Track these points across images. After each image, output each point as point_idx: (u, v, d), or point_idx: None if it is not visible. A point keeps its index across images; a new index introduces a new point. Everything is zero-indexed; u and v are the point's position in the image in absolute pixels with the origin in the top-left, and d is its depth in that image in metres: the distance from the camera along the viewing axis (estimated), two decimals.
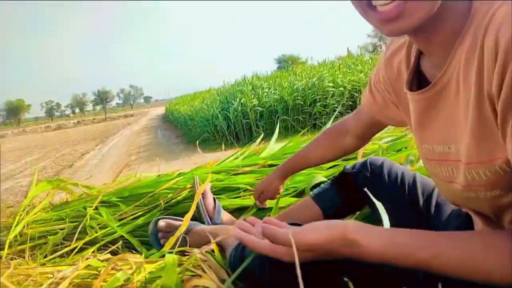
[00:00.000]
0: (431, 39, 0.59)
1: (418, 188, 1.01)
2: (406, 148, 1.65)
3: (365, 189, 0.93)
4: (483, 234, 0.53)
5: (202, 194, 1.35)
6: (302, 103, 7.27)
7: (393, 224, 0.91)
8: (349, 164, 1.19)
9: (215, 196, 1.48)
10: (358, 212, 1.20)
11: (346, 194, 1.14)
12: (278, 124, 2.60)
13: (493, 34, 0.47)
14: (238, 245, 0.91)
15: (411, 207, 0.99)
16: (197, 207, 1.31)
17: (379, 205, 0.79)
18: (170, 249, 1.04)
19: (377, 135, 1.95)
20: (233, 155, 1.95)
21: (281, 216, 1.23)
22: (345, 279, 0.50)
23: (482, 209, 0.65)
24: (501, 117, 0.48)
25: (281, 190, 1.32)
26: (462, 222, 0.88)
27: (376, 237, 0.57)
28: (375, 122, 0.98)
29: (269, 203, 1.40)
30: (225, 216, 1.35)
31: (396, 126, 0.95)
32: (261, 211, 1.40)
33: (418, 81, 0.68)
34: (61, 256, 1.24)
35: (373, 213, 1.17)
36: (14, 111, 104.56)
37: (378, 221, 1.12)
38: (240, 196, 1.55)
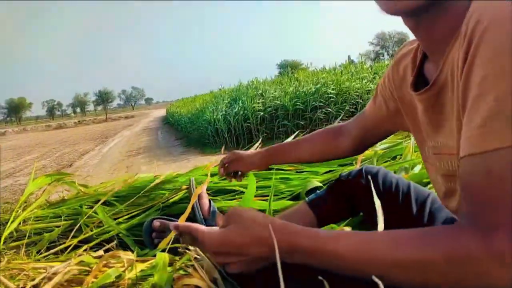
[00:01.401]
0: (431, 36, 0.61)
1: (412, 196, 1.02)
2: (401, 155, 1.66)
3: (372, 188, 0.93)
4: (421, 231, 0.48)
5: (198, 195, 1.36)
6: (303, 108, 7.29)
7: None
8: (345, 171, 1.20)
9: (210, 198, 1.50)
10: (350, 219, 1.21)
11: (341, 201, 1.15)
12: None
13: (472, 21, 0.48)
14: None
15: (405, 215, 1.00)
16: (193, 208, 1.32)
17: (378, 207, 0.79)
18: (163, 248, 1.05)
19: None
20: None
21: (279, 217, 1.24)
22: (320, 277, 0.48)
23: None
24: (462, 99, 0.49)
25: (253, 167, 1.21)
26: None
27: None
28: (374, 128, 0.99)
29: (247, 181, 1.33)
30: (220, 218, 1.36)
31: (397, 131, 0.96)
32: None
33: (423, 83, 0.70)
34: (55, 253, 1.25)
35: (367, 219, 1.18)
36: (15, 109, 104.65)
37: (371, 228, 1.13)
38: (235, 198, 1.56)
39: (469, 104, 0.47)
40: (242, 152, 1.23)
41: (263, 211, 1.39)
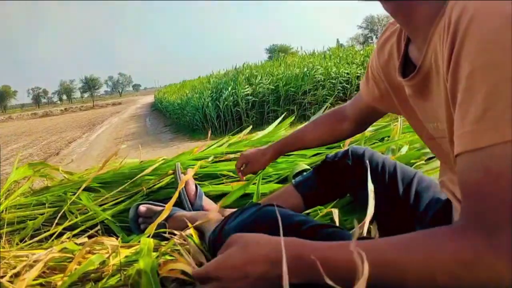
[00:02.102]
0: (411, 21, 0.60)
1: (398, 176, 1.02)
2: (389, 137, 1.66)
3: (367, 166, 0.95)
4: (424, 235, 0.47)
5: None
6: (293, 93, 7.27)
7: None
8: (331, 153, 1.20)
9: (197, 183, 1.48)
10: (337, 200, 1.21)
11: (328, 183, 1.15)
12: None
13: (456, 11, 0.47)
14: (216, 227, 0.91)
15: (391, 195, 1.00)
16: (179, 194, 1.31)
17: (371, 191, 0.80)
18: (150, 234, 1.04)
19: None
20: (217, 142, 1.95)
21: (265, 200, 1.24)
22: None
23: None
24: (451, 92, 0.49)
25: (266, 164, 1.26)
26: (439, 210, 0.89)
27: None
28: (373, 110, 0.98)
29: (248, 178, 1.35)
30: (206, 202, 1.35)
31: (395, 114, 0.96)
32: (242, 198, 1.39)
33: (411, 67, 0.69)
34: (39, 241, 1.23)
35: (355, 200, 1.18)
36: (0, 97, 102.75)
37: (359, 209, 1.13)
38: (223, 183, 1.54)
39: (459, 99, 0.46)
40: (252, 152, 1.25)
41: (251, 194, 1.38)
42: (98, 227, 1.25)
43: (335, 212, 1.04)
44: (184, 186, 1.33)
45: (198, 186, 1.36)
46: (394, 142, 1.51)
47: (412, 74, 0.64)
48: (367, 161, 1.05)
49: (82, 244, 0.94)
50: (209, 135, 2.10)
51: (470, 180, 0.44)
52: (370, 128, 1.79)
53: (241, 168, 1.27)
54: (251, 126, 2.42)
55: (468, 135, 0.44)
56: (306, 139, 1.16)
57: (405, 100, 0.75)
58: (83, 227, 1.29)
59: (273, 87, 7.29)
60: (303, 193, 1.15)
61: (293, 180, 1.21)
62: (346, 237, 0.69)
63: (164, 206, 1.23)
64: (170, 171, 1.50)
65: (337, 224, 1.02)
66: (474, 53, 0.43)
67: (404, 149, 1.46)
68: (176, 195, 1.19)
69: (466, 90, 0.44)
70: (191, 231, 1.03)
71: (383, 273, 0.45)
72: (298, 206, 1.14)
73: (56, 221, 1.29)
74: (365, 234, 0.88)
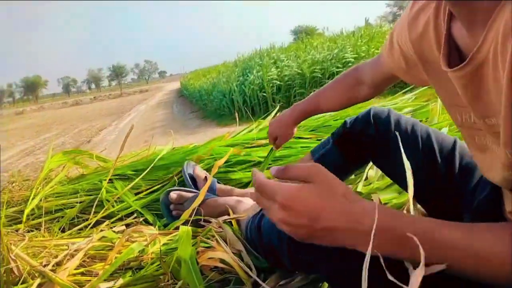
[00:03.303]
0: (474, 5, 0.49)
1: (434, 143, 0.88)
2: (427, 118, 1.59)
3: (396, 136, 0.85)
4: (490, 228, 0.44)
5: (193, 176, 1.34)
6: (320, 75, 7.13)
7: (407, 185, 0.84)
8: (349, 117, 1.09)
9: (228, 169, 1.48)
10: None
11: (349, 154, 1.07)
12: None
13: None
14: (255, 215, 0.89)
15: (428, 166, 0.87)
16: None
17: (407, 166, 0.69)
18: (185, 220, 1.03)
19: (399, 104, 1.89)
20: (247, 128, 1.92)
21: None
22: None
23: None
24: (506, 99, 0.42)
25: (295, 132, 1.23)
26: (490, 192, 0.80)
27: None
28: (393, 76, 0.88)
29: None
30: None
31: (418, 85, 0.88)
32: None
33: (450, 50, 0.59)
34: (78, 230, 1.24)
35: (382, 170, 1.09)
36: (31, 87, 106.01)
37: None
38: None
39: None
40: (277, 126, 1.21)
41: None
42: (135, 215, 1.25)
43: (375, 197, 1.00)
44: (194, 181, 1.33)
45: (208, 174, 1.33)
46: (435, 125, 1.44)
47: (462, 64, 0.53)
48: (395, 131, 0.92)
49: (120, 232, 0.94)
50: (237, 120, 2.07)
51: None
52: (406, 110, 1.73)
53: (275, 143, 1.25)
54: (278, 107, 2.38)
55: None
56: (323, 106, 1.10)
57: (442, 81, 0.64)
58: (119, 216, 1.30)
59: (300, 71, 7.18)
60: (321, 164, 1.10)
61: (311, 152, 1.16)
62: None
63: (195, 192, 1.22)
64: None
65: None
66: None
67: (445, 130, 1.40)
68: (209, 182, 1.18)
69: None
70: (231, 218, 1.01)
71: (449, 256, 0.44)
72: None
73: (93, 209, 1.31)
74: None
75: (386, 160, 0.96)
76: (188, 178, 1.34)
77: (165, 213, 1.24)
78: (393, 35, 0.81)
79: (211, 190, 1.29)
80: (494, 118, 0.53)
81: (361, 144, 1.02)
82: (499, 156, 0.54)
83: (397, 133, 0.87)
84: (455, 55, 0.57)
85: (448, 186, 0.84)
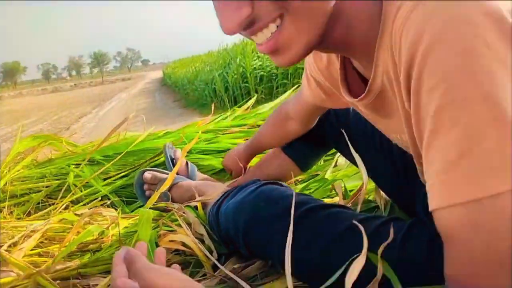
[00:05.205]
0: (347, 49, 0.53)
1: None
2: None
3: (348, 142, 0.86)
4: None
5: (174, 159, 1.33)
6: (303, 67, 7.15)
7: (370, 175, 0.86)
8: None
9: (201, 156, 1.47)
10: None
11: (315, 143, 1.11)
12: None
13: (406, 32, 0.40)
14: (216, 202, 0.90)
15: (385, 154, 0.90)
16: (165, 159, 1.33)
17: (357, 159, 0.74)
18: (153, 204, 1.03)
19: None
20: (221, 115, 1.92)
21: (254, 167, 1.23)
22: None
23: None
24: (416, 131, 0.42)
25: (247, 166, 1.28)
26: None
27: None
28: (318, 108, 0.91)
29: None
30: (200, 177, 1.33)
31: (345, 107, 0.89)
32: None
33: (353, 78, 0.61)
34: (44, 214, 1.22)
35: (347, 158, 1.12)
36: (10, 73, 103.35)
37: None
38: None
39: (425, 141, 0.39)
40: (231, 163, 1.27)
41: None
42: (99, 198, 1.24)
43: (338, 186, 1.01)
44: (173, 164, 1.33)
45: (189, 162, 1.33)
46: None
47: (362, 95, 0.55)
48: (342, 129, 0.90)
49: (81, 215, 0.93)
50: (213, 109, 2.06)
51: (453, 241, 0.38)
52: None
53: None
54: (255, 96, 2.38)
55: (439, 188, 0.38)
56: (264, 143, 1.18)
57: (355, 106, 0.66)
58: (87, 201, 1.28)
59: None
60: (291, 156, 1.13)
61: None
62: (350, 217, 0.66)
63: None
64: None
65: (341, 197, 0.99)
66: (437, 90, 0.37)
67: None
68: (179, 162, 1.18)
69: (433, 132, 0.38)
70: (197, 203, 1.02)
71: None
72: (289, 167, 1.14)
73: (61, 194, 1.29)
74: (360, 206, 0.84)
75: (348, 148, 0.98)
76: (169, 159, 1.34)
77: (139, 193, 1.23)
78: (306, 68, 0.82)
79: (192, 178, 1.29)
80: (402, 134, 0.55)
81: (323, 134, 1.06)
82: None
83: (343, 131, 0.86)
84: (359, 82, 0.60)
85: (403, 180, 0.87)
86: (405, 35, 0.40)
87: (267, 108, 1.96)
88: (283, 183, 0.89)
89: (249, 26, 0.45)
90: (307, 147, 1.12)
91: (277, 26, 0.44)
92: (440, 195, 0.38)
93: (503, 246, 0.34)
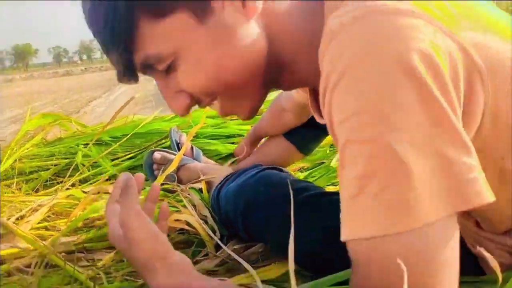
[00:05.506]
0: (302, 85, 0.59)
1: None
2: None
3: None
4: None
5: (179, 143, 1.34)
6: None
7: None
8: None
9: (208, 141, 1.48)
10: None
11: (313, 125, 1.10)
12: None
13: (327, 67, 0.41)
14: (217, 185, 0.91)
15: None
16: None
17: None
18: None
19: None
20: None
21: (256, 152, 1.22)
22: None
23: None
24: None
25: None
26: None
27: None
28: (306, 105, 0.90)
29: None
30: (206, 161, 1.34)
31: None
32: None
33: None
34: (52, 192, 1.24)
35: None
36: (21, 55, 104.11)
37: None
38: (233, 142, 1.53)
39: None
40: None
41: None
42: (106, 176, 1.26)
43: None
44: (179, 148, 1.33)
45: (194, 147, 1.33)
46: None
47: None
48: None
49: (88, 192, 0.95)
50: None
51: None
52: None
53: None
54: None
55: (347, 219, 0.39)
56: (266, 132, 1.14)
57: None
58: (95, 180, 1.30)
59: None
60: (292, 141, 1.11)
61: None
62: None
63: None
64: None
65: None
66: (341, 127, 0.38)
67: None
68: (185, 145, 1.19)
69: (340, 164, 0.40)
70: (202, 184, 1.03)
71: None
72: (291, 153, 1.11)
73: (69, 173, 1.31)
74: None
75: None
76: (174, 143, 1.34)
77: (148, 172, 1.25)
78: None
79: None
80: None
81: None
82: None
83: None
84: None
85: None
86: (323, 65, 0.41)
87: (275, 94, 1.96)
88: (284, 169, 0.90)
89: (198, 103, 0.53)
90: (307, 130, 1.11)
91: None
92: (345, 227, 0.39)
93: (395, 283, 0.34)
